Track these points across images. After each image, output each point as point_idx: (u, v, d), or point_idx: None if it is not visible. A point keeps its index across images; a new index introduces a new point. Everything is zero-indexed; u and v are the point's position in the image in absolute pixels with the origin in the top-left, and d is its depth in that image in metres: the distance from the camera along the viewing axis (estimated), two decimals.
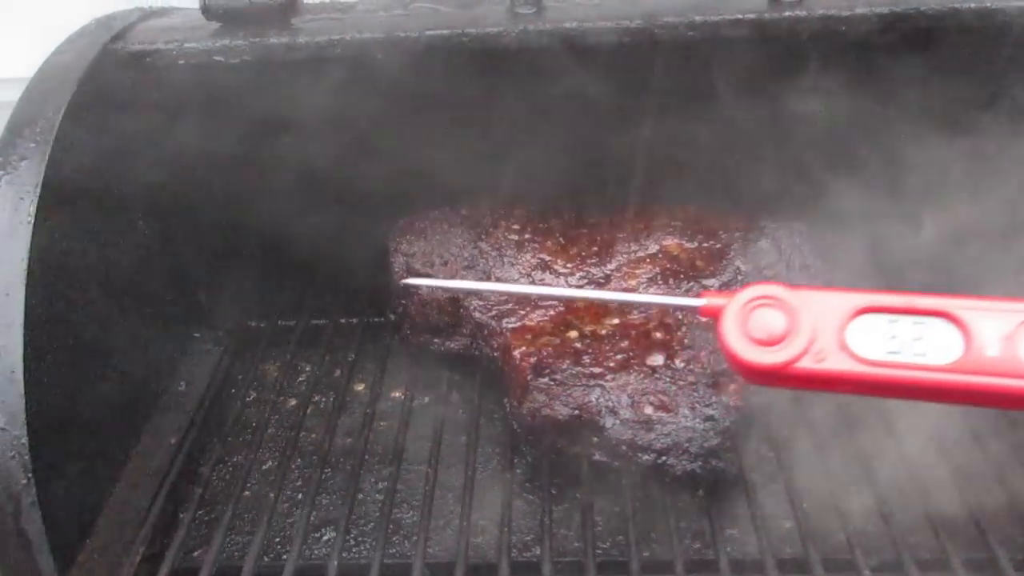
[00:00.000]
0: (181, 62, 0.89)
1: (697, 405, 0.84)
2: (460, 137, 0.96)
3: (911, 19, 0.85)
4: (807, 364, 0.47)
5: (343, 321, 1.15)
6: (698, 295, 0.54)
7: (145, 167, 0.96)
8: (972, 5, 0.85)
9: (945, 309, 0.46)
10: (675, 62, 0.90)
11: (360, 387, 1.08)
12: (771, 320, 0.48)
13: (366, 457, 0.95)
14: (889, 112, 0.93)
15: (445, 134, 0.95)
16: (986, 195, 0.87)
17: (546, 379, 0.87)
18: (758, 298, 0.50)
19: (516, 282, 0.99)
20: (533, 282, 0.99)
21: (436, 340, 1.03)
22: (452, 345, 1.03)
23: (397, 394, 1.07)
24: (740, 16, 0.86)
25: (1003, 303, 0.46)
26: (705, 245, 1.02)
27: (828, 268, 1.00)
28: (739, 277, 0.98)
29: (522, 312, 0.96)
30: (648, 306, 0.93)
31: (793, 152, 0.98)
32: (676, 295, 0.97)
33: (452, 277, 0.99)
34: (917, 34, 0.86)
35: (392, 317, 1.07)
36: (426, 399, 1.05)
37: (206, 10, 0.90)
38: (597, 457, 0.87)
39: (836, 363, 0.47)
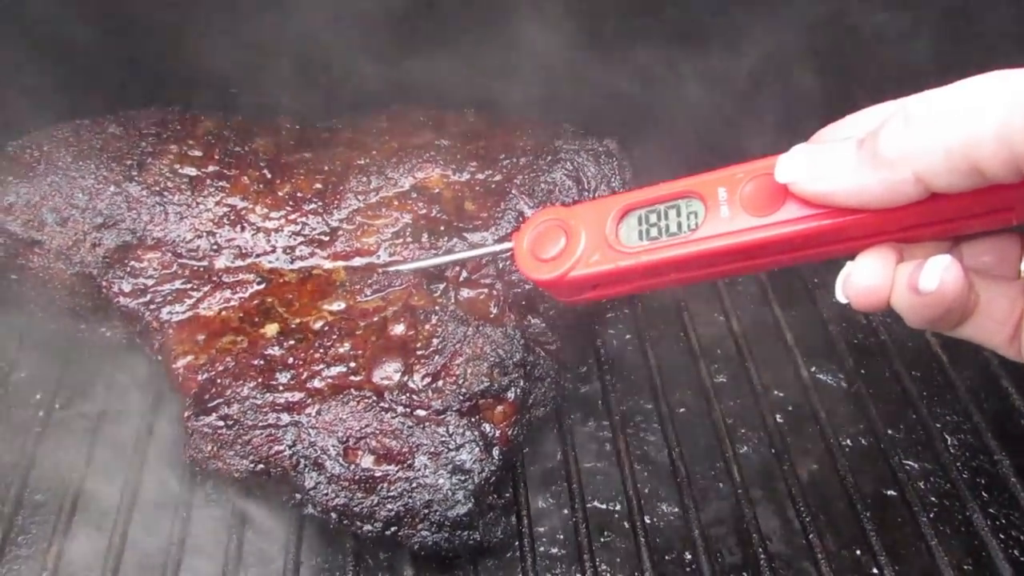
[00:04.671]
0: None
1: (442, 449, 0.56)
2: None
3: None
4: (581, 270, 0.49)
5: None
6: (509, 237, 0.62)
7: None
8: None
9: (689, 188, 0.46)
10: None
11: None
12: (554, 239, 0.51)
13: None
14: None
15: None
16: None
17: (213, 417, 0.57)
18: (544, 221, 0.52)
19: (204, 241, 0.65)
20: (216, 243, 0.65)
21: (82, 327, 0.69)
22: (107, 333, 0.69)
23: (39, 396, 0.73)
24: None
25: (735, 168, 0.45)
26: (480, 177, 0.72)
27: None
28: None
29: (195, 294, 0.63)
30: (456, 263, 0.67)
31: None
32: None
33: (79, 240, 0.64)
34: None
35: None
36: (79, 409, 0.72)
37: None
38: (311, 512, 0.59)
39: (604, 262, 0.48)
